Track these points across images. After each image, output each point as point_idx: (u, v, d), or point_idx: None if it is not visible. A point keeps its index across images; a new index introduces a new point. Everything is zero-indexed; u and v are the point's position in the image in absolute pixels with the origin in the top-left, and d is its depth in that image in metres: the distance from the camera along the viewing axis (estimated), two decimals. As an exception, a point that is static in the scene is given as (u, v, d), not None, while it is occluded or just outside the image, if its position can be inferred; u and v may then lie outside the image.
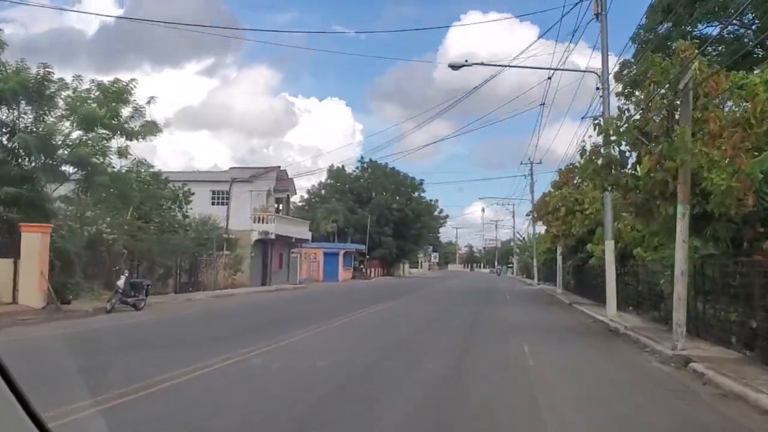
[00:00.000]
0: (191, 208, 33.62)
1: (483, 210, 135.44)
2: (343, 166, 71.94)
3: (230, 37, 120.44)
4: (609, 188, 14.51)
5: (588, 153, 13.43)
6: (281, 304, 25.76)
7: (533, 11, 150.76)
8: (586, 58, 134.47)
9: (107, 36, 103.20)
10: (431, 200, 74.61)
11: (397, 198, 70.02)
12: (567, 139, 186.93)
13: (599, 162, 13.12)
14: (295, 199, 54.19)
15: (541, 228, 62.36)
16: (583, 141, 13.91)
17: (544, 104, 31.21)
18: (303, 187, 74.26)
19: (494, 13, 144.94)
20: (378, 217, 68.26)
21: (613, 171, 13.06)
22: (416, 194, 73.29)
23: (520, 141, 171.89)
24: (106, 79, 21.85)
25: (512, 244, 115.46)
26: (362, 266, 63.62)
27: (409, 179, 72.37)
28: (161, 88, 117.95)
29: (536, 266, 58.58)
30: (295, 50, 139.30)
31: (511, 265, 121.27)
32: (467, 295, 34.84)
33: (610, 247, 19.34)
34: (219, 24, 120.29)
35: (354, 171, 72.77)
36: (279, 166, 42.44)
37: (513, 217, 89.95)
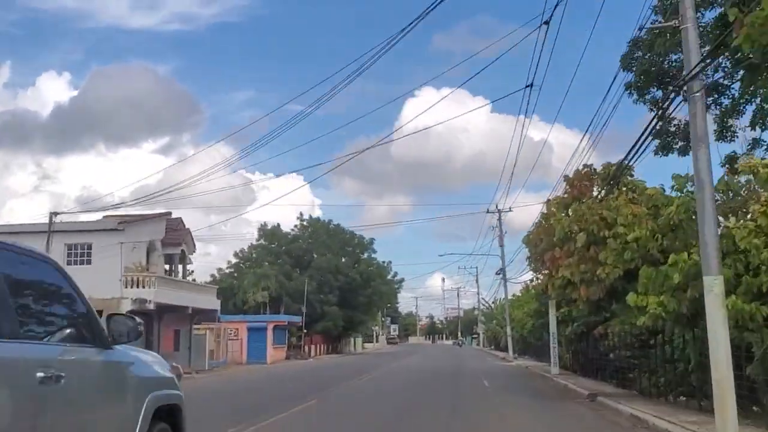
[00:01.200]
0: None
1: (443, 280, 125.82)
2: (278, 224, 61.23)
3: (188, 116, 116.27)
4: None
5: None
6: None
7: (484, 87, 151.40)
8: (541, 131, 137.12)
9: (61, 117, 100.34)
10: (384, 262, 64.08)
11: (343, 260, 59.24)
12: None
13: None
14: (221, 264, 42.95)
15: (516, 287, 53.11)
16: None
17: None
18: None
19: (446, 88, 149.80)
20: (320, 284, 57.13)
21: None
22: (365, 255, 62.69)
23: (479, 215, 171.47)
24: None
25: (476, 312, 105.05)
26: (300, 343, 51.89)
27: (357, 238, 61.96)
28: (116, 168, 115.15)
29: (510, 336, 48.06)
30: (253, 128, 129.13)
31: (475, 336, 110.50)
32: (426, 383, 23.89)
33: (716, 288, 9.18)
34: (177, 102, 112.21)
35: (292, 230, 62.09)
36: (169, 212, 31.40)
37: (476, 281, 79.74)
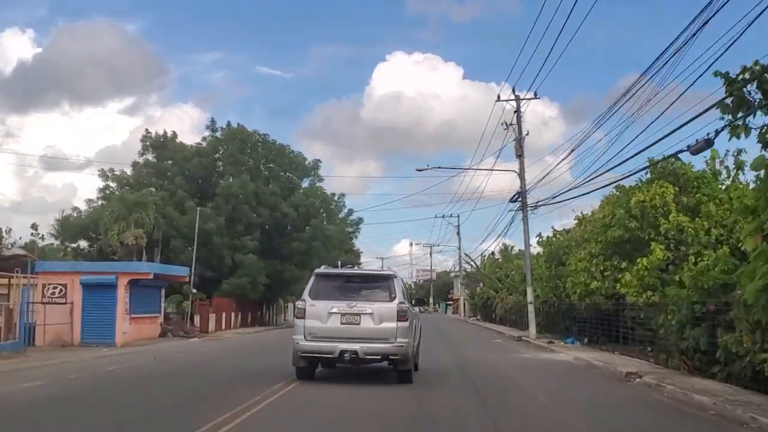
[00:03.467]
0: None
1: (411, 244, 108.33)
2: (174, 133, 40.66)
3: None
4: None
5: None
6: None
7: (461, 52, 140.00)
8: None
9: (25, 74, 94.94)
10: (333, 194, 44.01)
11: (270, 186, 39.17)
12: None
13: None
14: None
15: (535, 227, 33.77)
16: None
17: None
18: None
19: (418, 53, 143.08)
20: (230, 219, 37.24)
21: None
22: (306, 183, 42.81)
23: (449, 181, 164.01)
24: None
25: (453, 273, 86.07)
26: (187, 312, 31.91)
27: (294, 156, 41.85)
28: (81, 128, 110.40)
29: (532, 303, 29.13)
30: (221, 89, 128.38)
31: (451, 302, 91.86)
32: None
33: None
34: (144, 62, 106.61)
35: (198, 144, 41.66)
36: None
37: (458, 231, 60.62)
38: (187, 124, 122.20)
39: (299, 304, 12.32)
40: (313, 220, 38.84)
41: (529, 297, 29.10)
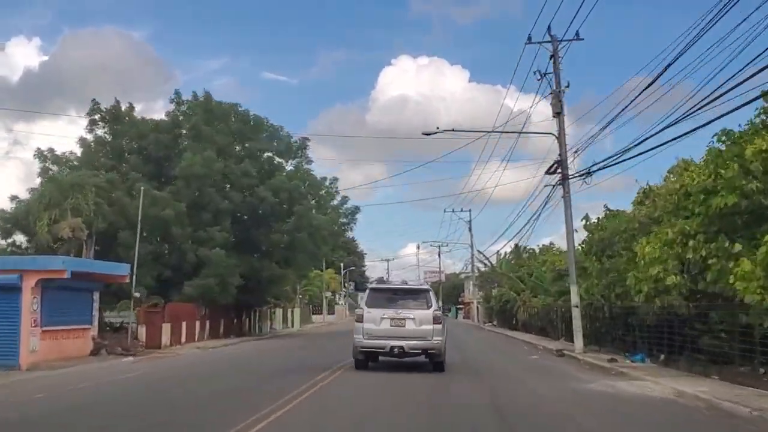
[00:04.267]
0: None
1: (418, 247, 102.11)
2: (130, 104, 33.65)
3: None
4: None
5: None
6: None
7: (466, 55, 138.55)
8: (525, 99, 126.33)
9: (32, 82, 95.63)
10: (325, 178, 36.72)
11: (244, 165, 32.06)
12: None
13: None
14: None
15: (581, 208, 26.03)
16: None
17: None
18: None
19: (424, 57, 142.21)
20: (194, 206, 30.27)
21: None
22: (290, 163, 35.70)
23: (455, 183, 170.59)
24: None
25: (463, 274, 78.72)
26: (129, 323, 24.68)
27: (273, 128, 34.77)
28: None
29: (577, 306, 21.98)
30: (227, 95, 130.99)
31: (461, 306, 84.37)
32: None
33: None
34: (150, 68, 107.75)
35: (162, 120, 34.59)
36: None
37: (470, 227, 54.29)
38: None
39: (358, 311, 16.56)
40: (298, 207, 31.64)
41: (574, 299, 21.99)
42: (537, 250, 44.99)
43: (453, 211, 56.45)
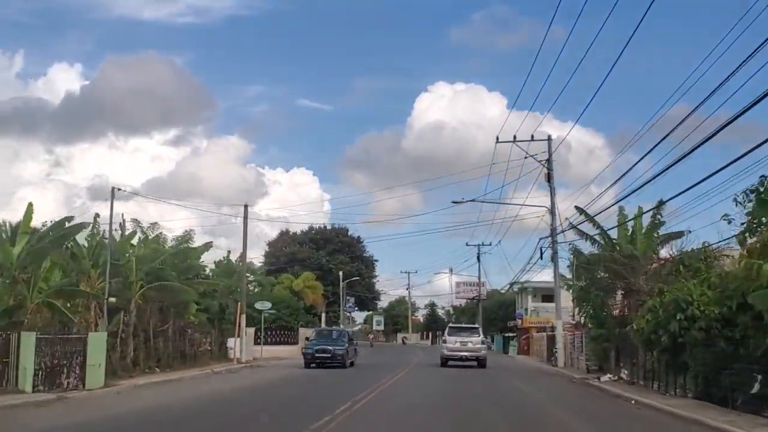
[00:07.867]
0: None
1: (451, 270, 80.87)
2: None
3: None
4: None
5: None
6: None
7: (502, 82, 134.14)
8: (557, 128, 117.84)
9: (72, 105, 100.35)
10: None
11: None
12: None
13: None
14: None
15: None
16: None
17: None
18: None
19: (461, 83, 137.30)
20: None
21: None
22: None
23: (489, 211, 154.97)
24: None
25: (525, 283, 54.76)
26: None
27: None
28: (127, 158, 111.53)
29: None
30: (264, 122, 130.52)
31: (511, 336, 58.59)
32: None
33: None
34: (190, 94, 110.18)
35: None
36: None
37: (551, 190, 33.88)
38: (232, 155, 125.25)
39: (444, 338, 32.19)
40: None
41: None
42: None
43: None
